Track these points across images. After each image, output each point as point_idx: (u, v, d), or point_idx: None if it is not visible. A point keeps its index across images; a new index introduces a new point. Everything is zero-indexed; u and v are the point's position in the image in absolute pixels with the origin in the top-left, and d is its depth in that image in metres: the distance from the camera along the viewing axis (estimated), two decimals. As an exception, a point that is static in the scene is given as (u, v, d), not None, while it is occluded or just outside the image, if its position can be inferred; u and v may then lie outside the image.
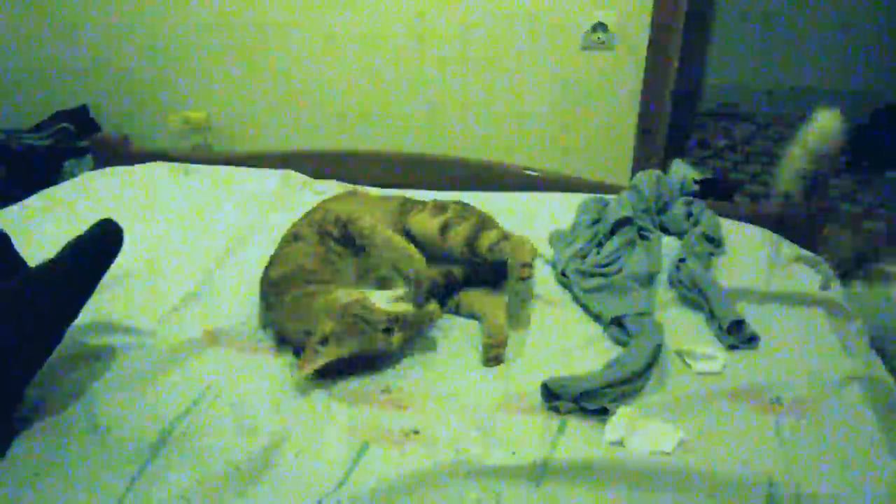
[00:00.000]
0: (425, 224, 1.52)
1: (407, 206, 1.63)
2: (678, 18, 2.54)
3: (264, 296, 1.41)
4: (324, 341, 1.23)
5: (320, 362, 1.22)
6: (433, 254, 1.45)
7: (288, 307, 1.32)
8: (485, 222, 1.53)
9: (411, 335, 1.31)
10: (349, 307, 1.26)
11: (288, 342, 1.33)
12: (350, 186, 1.99)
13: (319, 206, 1.62)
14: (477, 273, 1.49)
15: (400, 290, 1.32)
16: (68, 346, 1.26)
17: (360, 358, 1.27)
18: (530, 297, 1.50)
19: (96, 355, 1.29)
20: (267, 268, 1.45)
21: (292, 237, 1.48)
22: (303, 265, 1.39)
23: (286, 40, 2.75)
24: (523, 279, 1.39)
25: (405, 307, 1.29)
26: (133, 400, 1.19)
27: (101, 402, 1.17)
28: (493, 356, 1.31)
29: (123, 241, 1.21)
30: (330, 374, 1.25)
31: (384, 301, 1.28)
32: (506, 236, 1.47)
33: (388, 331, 1.26)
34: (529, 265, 1.39)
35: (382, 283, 1.39)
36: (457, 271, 1.48)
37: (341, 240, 1.43)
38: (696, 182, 1.89)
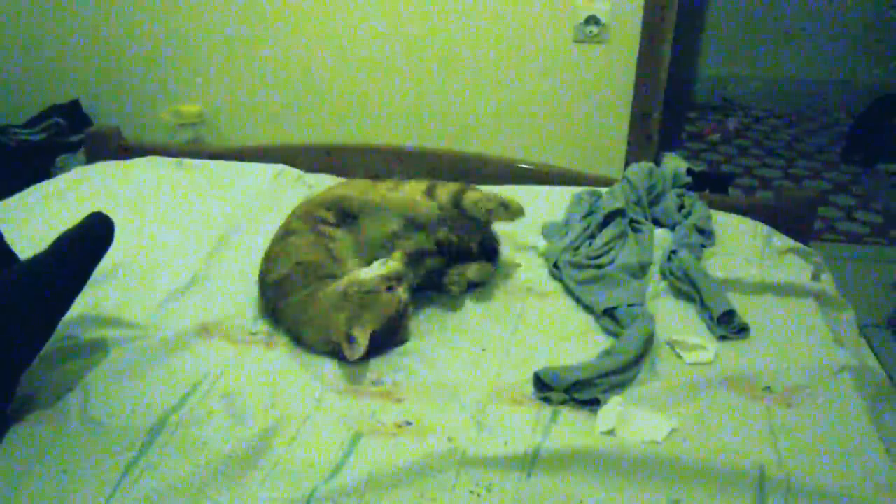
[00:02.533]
0: (412, 190, 1.53)
1: (390, 184, 1.63)
2: (671, 10, 2.55)
3: (267, 299, 1.41)
4: (349, 331, 1.24)
5: (363, 346, 1.23)
6: (419, 218, 1.47)
7: (297, 313, 1.32)
8: (473, 187, 1.54)
9: (411, 281, 1.34)
10: (347, 291, 1.28)
11: (305, 345, 1.33)
12: (342, 180, 1.99)
13: (305, 202, 1.62)
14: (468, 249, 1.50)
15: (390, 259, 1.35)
16: (61, 338, 1.26)
17: (385, 333, 1.28)
18: (513, 293, 1.52)
19: (89, 348, 1.29)
20: (264, 269, 1.44)
21: (284, 233, 1.47)
22: (300, 261, 1.38)
23: (279, 34, 2.75)
24: (499, 219, 1.45)
25: (394, 264, 1.32)
26: (126, 391, 1.19)
27: (95, 393, 1.17)
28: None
29: (114, 233, 1.21)
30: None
31: (374, 270, 1.31)
32: (493, 196, 1.49)
33: (390, 290, 1.28)
34: (507, 206, 1.44)
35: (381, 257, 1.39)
36: (451, 235, 1.48)
37: (335, 221, 1.44)
38: (689, 174, 1.90)
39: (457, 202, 1.48)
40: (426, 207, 1.49)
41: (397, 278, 1.30)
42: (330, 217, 1.45)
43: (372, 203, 1.43)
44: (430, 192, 1.52)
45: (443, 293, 1.46)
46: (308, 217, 1.47)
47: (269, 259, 1.45)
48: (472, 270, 1.49)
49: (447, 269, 1.47)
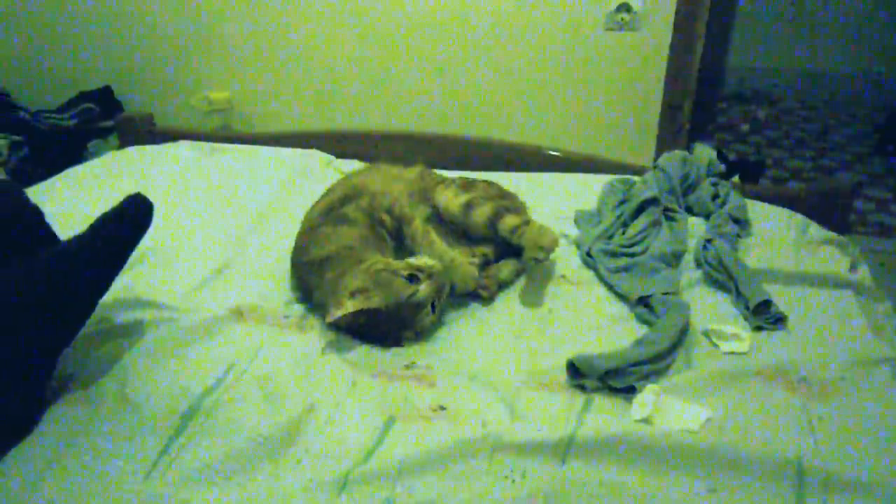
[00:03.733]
0: (451, 200, 1.53)
1: (428, 176, 1.64)
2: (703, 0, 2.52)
3: (302, 274, 1.42)
4: (353, 294, 1.26)
5: (349, 308, 1.24)
6: (456, 228, 1.50)
7: (331, 284, 1.33)
8: (509, 206, 1.54)
9: (440, 288, 1.33)
10: (375, 265, 1.30)
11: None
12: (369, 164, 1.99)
13: (343, 182, 1.63)
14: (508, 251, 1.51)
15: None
16: (97, 320, 1.27)
17: (393, 319, 1.28)
18: (546, 281, 1.50)
19: (125, 330, 1.30)
20: (302, 247, 1.45)
21: (335, 219, 1.47)
22: (349, 246, 1.39)
23: (307, 21, 2.75)
24: (537, 260, 1.41)
25: (429, 261, 1.33)
26: (162, 373, 1.20)
27: (131, 375, 1.18)
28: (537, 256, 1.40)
29: (153, 215, 1.22)
30: (364, 333, 1.29)
31: (411, 259, 1.34)
32: (527, 222, 1.48)
33: (412, 278, 1.29)
34: (547, 249, 1.41)
35: None
36: (490, 252, 1.50)
37: (392, 232, 1.45)
38: (720, 161, 1.88)
39: (492, 224, 1.49)
40: (461, 224, 1.51)
41: (428, 274, 1.31)
42: (388, 224, 1.46)
43: (430, 246, 1.41)
44: (467, 210, 1.51)
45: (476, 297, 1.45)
46: (368, 213, 1.47)
47: (314, 237, 1.45)
48: (504, 272, 1.48)
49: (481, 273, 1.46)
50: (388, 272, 1.29)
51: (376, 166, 1.77)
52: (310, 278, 1.39)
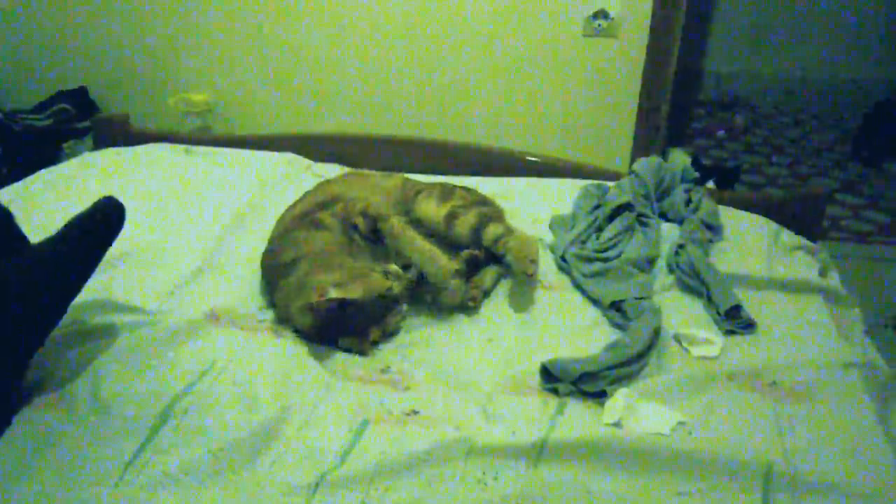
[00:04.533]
0: (431, 211, 1.54)
1: (409, 186, 1.64)
2: (679, 6, 2.54)
3: (270, 276, 1.42)
4: (334, 284, 1.26)
5: (332, 294, 1.24)
6: (439, 239, 1.49)
7: (294, 287, 1.33)
8: (491, 214, 1.55)
9: (409, 286, 1.35)
10: (349, 263, 1.34)
11: (291, 322, 1.34)
12: (349, 170, 1.99)
13: (322, 187, 1.63)
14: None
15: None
16: (70, 323, 1.26)
17: (364, 315, 1.29)
18: (521, 286, 1.51)
19: (99, 332, 1.29)
20: (273, 250, 1.46)
21: (309, 224, 1.47)
22: (319, 251, 1.39)
23: (287, 23, 2.75)
24: (528, 274, 1.41)
25: (398, 269, 1.36)
26: (136, 376, 1.19)
27: (105, 377, 1.18)
28: (527, 270, 1.40)
29: (125, 218, 1.21)
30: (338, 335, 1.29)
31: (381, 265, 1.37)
32: (510, 231, 1.50)
33: (388, 274, 1.31)
34: (535, 261, 1.42)
35: None
36: (479, 253, 1.50)
37: (368, 235, 1.45)
38: (695, 166, 1.89)
39: (476, 234, 1.50)
40: (443, 235, 1.51)
41: (396, 276, 1.33)
42: (363, 228, 1.45)
43: (410, 242, 1.41)
44: (449, 221, 1.52)
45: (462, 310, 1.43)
46: (341, 218, 1.47)
47: (285, 241, 1.45)
48: (488, 280, 1.48)
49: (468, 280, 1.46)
50: (363, 268, 1.32)
51: (356, 173, 1.77)
52: (276, 281, 1.39)
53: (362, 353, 1.29)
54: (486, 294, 1.47)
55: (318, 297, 1.25)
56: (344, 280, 1.28)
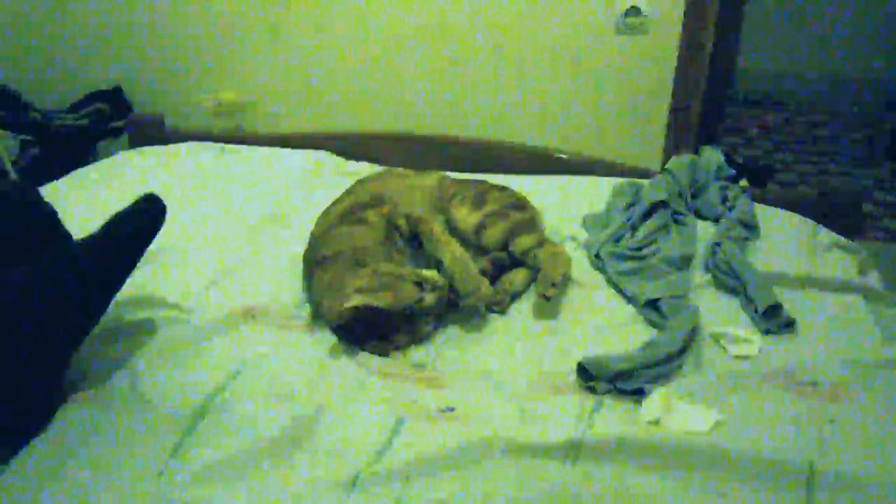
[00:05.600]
0: (464, 220, 1.55)
1: (445, 186, 1.64)
2: (713, 3, 2.52)
3: (308, 270, 1.43)
4: (359, 290, 1.26)
5: (355, 301, 1.24)
6: (469, 244, 1.50)
7: (329, 282, 1.33)
8: (524, 222, 1.55)
9: (443, 301, 1.32)
10: (381, 268, 1.31)
11: (322, 316, 1.34)
12: (383, 167, 2.00)
13: (362, 186, 1.64)
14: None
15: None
16: (109, 320, 1.28)
17: (393, 323, 1.28)
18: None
19: (137, 328, 1.31)
20: (314, 244, 1.47)
21: (353, 220, 1.48)
22: (359, 246, 1.40)
23: (318, 22, 2.76)
24: (547, 298, 1.38)
25: (438, 276, 1.33)
26: (173, 372, 1.21)
27: (143, 373, 1.20)
28: (546, 293, 1.37)
29: (166, 215, 1.23)
30: (366, 339, 1.28)
31: (420, 270, 1.34)
32: (541, 243, 1.49)
33: (419, 285, 1.29)
34: (557, 285, 1.39)
35: None
36: (506, 257, 1.50)
37: (408, 237, 1.45)
38: (728, 164, 1.87)
39: (505, 246, 1.51)
40: (473, 244, 1.51)
41: (432, 286, 1.31)
42: (404, 229, 1.46)
43: (449, 252, 1.39)
44: (479, 232, 1.52)
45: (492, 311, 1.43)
46: (385, 217, 1.48)
47: (326, 236, 1.46)
48: (519, 282, 1.47)
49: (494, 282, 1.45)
50: (394, 276, 1.30)
51: (393, 172, 1.77)
52: (314, 273, 1.40)
53: (384, 354, 1.28)
54: (516, 297, 1.46)
55: (342, 304, 1.25)
56: (373, 286, 1.27)
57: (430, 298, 1.30)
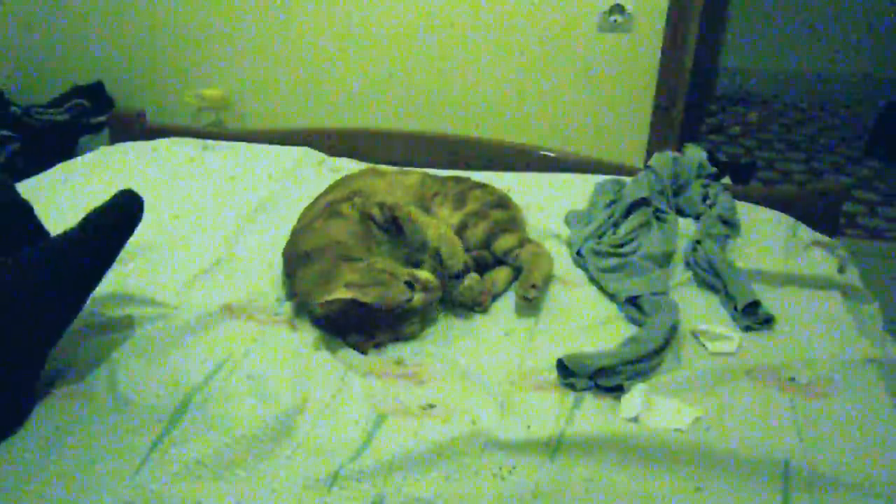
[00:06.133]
0: (445, 220, 1.54)
1: (427, 184, 1.64)
2: (695, 1, 2.53)
3: (290, 267, 1.42)
4: (348, 285, 1.26)
5: (341, 295, 1.24)
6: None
7: (315, 276, 1.33)
8: (505, 220, 1.55)
9: (434, 299, 1.33)
10: (376, 264, 1.31)
11: (307, 310, 1.34)
12: (366, 164, 1.99)
13: (343, 182, 1.64)
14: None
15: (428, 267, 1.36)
16: (88, 315, 1.27)
17: (380, 320, 1.28)
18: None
19: (116, 325, 1.30)
20: (294, 240, 1.47)
21: (329, 214, 1.48)
22: (339, 240, 1.40)
23: (302, 18, 2.75)
24: (528, 300, 1.39)
25: (430, 276, 1.32)
26: (153, 369, 1.20)
27: (122, 370, 1.18)
28: (527, 295, 1.37)
29: (143, 211, 1.22)
30: (353, 333, 1.28)
31: (411, 269, 1.33)
32: (522, 243, 1.50)
33: (409, 284, 1.29)
34: (538, 287, 1.40)
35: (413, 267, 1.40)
36: (488, 255, 1.51)
37: (384, 225, 1.45)
38: (711, 162, 1.89)
39: (487, 246, 1.51)
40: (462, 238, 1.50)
41: (423, 286, 1.30)
42: (379, 218, 1.45)
43: (430, 227, 1.41)
44: (460, 233, 1.51)
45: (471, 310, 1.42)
46: (359, 208, 1.47)
47: (306, 231, 1.46)
48: (500, 282, 1.47)
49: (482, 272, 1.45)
50: (387, 274, 1.30)
51: (375, 169, 1.77)
52: (297, 269, 1.39)
53: (363, 352, 1.28)
54: (497, 296, 1.46)
55: (330, 296, 1.25)
56: (363, 281, 1.27)
57: (418, 299, 1.29)
